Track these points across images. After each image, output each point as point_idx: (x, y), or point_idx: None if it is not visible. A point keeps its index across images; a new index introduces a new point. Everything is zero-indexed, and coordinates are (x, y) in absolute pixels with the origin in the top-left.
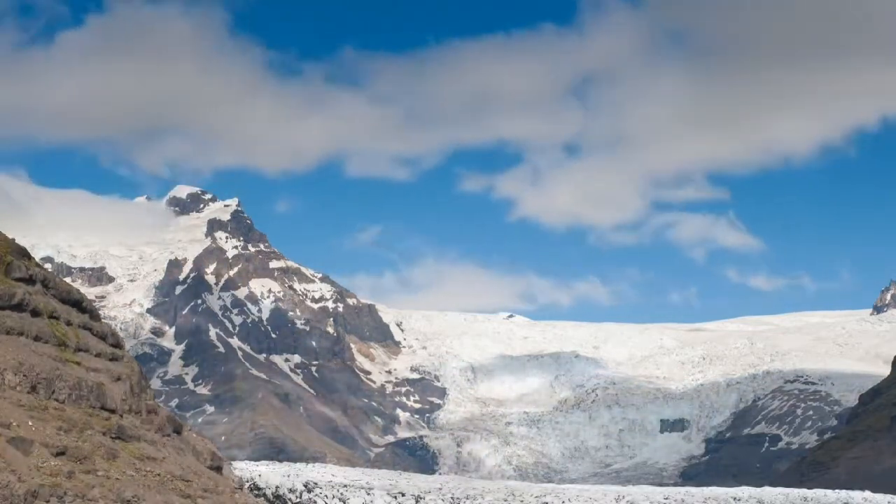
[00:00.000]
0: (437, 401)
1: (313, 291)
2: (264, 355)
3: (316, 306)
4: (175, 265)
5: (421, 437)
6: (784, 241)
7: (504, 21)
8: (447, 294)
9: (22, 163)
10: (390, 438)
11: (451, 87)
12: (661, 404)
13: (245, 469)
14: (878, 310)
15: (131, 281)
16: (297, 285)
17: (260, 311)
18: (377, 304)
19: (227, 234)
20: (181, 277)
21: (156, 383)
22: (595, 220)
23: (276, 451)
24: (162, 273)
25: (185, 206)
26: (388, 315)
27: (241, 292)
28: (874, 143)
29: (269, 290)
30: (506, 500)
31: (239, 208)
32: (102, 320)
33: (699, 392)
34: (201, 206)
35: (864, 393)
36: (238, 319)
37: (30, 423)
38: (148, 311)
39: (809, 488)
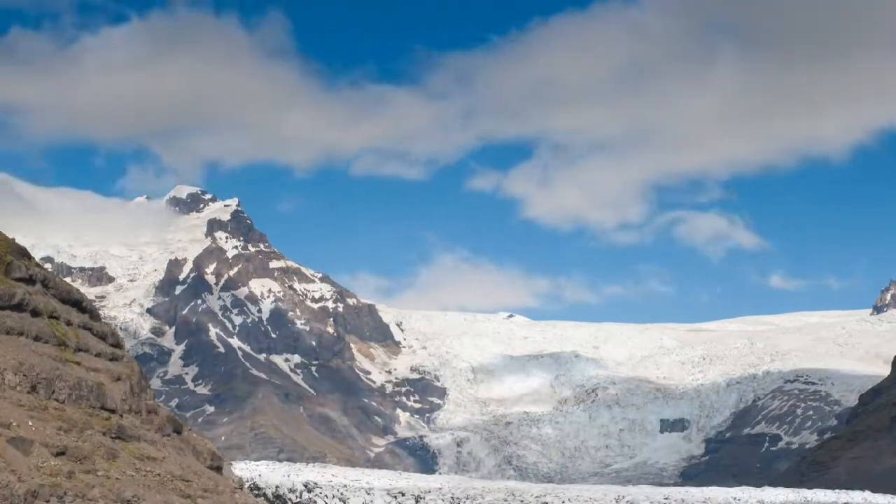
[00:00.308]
0: (437, 401)
1: (313, 291)
2: (264, 355)
3: (316, 306)
4: (175, 265)
5: (421, 437)
6: (784, 241)
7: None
8: (447, 294)
9: (22, 162)
10: (390, 438)
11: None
12: (661, 404)
13: (245, 469)
14: (878, 310)
15: (131, 281)
16: (297, 285)
17: (260, 311)
18: (377, 304)
19: (227, 234)
20: (181, 277)
21: (156, 383)
22: (595, 220)
23: (276, 451)
24: (162, 273)
25: (185, 206)
26: (388, 315)
27: (241, 292)
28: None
29: (269, 290)
30: (506, 500)
31: (239, 208)
32: (102, 320)
33: (699, 392)
34: (201, 206)
35: (864, 393)
36: (238, 319)
37: (30, 423)
38: (148, 311)
39: (809, 488)
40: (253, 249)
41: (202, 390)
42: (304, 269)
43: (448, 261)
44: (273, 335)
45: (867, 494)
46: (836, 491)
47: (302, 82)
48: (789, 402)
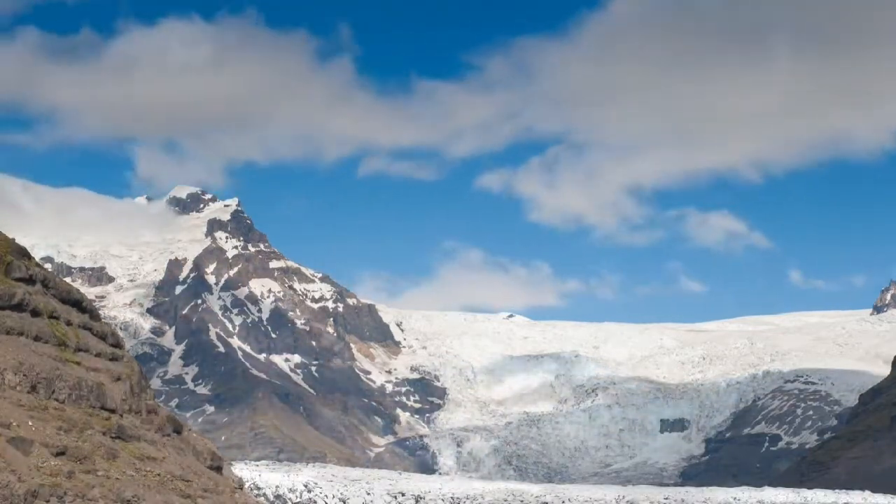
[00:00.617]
0: (437, 401)
1: (313, 291)
2: (264, 355)
3: (316, 306)
4: (175, 265)
5: (421, 437)
6: (784, 241)
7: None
8: (447, 294)
9: (22, 163)
10: (390, 438)
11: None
12: (661, 404)
13: (245, 469)
14: (878, 310)
15: (131, 281)
16: (297, 285)
17: (260, 311)
18: (377, 303)
19: (227, 234)
20: (181, 277)
21: (156, 383)
22: (596, 220)
23: (276, 451)
24: (162, 273)
25: (185, 206)
26: (388, 315)
27: (242, 292)
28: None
29: (270, 290)
30: (506, 500)
31: (239, 208)
32: (102, 320)
33: (699, 392)
34: (201, 205)
35: (864, 393)
36: (238, 319)
37: (30, 423)
38: (148, 311)
39: (809, 488)
40: (253, 249)
41: (202, 390)
42: (304, 269)
43: (448, 261)
44: (273, 335)
45: (867, 494)
46: (836, 491)
47: (302, 82)
48: (789, 402)
